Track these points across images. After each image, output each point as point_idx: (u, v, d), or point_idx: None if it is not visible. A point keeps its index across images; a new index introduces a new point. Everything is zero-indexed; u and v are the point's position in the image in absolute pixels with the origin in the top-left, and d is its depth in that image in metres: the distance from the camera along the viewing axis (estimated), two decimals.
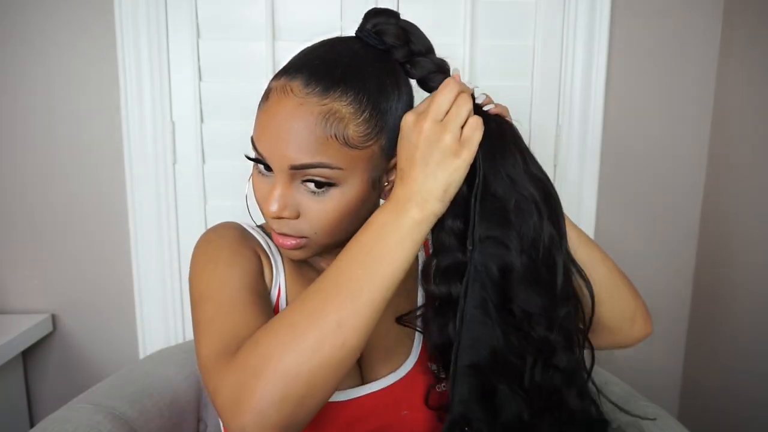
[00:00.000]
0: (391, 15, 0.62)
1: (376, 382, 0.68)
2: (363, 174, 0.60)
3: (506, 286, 0.59)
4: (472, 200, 0.58)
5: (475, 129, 0.57)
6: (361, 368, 0.69)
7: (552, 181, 0.63)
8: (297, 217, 0.60)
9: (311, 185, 0.58)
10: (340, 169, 0.58)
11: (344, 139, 0.57)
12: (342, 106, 0.57)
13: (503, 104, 0.65)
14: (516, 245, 0.58)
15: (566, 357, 0.61)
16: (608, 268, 0.69)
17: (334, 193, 0.59)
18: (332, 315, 0.50)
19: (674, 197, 1.26)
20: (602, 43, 1.16)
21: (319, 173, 0.57)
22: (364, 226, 0.56)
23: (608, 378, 0.92)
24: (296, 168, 0.57)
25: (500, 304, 0.58)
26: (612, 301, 0.68)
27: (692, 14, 1.19)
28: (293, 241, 0.62)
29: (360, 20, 0.64)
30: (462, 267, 0.59)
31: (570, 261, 0.63)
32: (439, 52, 0.65)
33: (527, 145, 0.63)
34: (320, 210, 0.59)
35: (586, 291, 0.64)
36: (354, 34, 0.63)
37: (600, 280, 0.67)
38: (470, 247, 0.58)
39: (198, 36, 1.10)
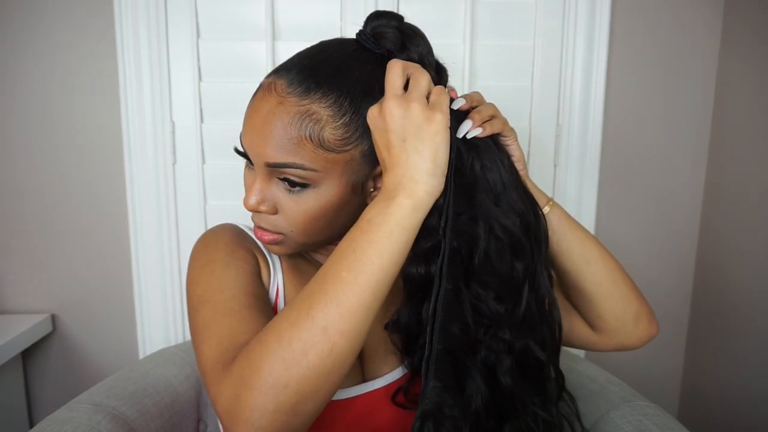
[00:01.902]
0: (392, 18, 0.61)
1: (378, 379, 0.68)
2: (341, 178, 0.59)
3: (471, 263, 0.57)
4: (447, 174, 0.56)
5: (440, 94, 0.56)
6: (362, 366, 0.69)
7: (537, 213, 0.62)
8: (275, 212, 0.61)
9: (287, 183, 0.59)
10: (314, 170, 0.57)
11: (320, 141, 0.57)
12: (321, 108, 0.56)
13: (506, 119, 0.62)
14: (484, 224, 0.57)
15: (514, 334, 0.59)
16: (607, 267, 0.68)
17: (309, 193, 0.59)
18: (318, 320, 0.48)
19: (674, 197, 1.26)
20: (602, 43, 1.16)
21: (292, 173, 0.58)
22: (354, 224, 0.54)
23: (608, 378, 0.92)
24: (271, 166, 0.58)
25: (465, 281, 0.57)
26: (611, 300, 0.68)
27: (692, 14, 1.19)
28: (270, 236, 0.63)
29: (360, 20, 0.63)
30: (438, 247, 0.57)
31: (546, 289, 0.61)
32: (439, 52, 0.65)
33: (524, 160, 0.61)
34: (296, 208, 0.60)
35: (587, 287, 0.64)
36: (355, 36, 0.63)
37: (597, 278, 0.67)
38: (443, 224, 0.56)
39: (198, 36, 1.10)
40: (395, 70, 0.56)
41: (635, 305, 0.69)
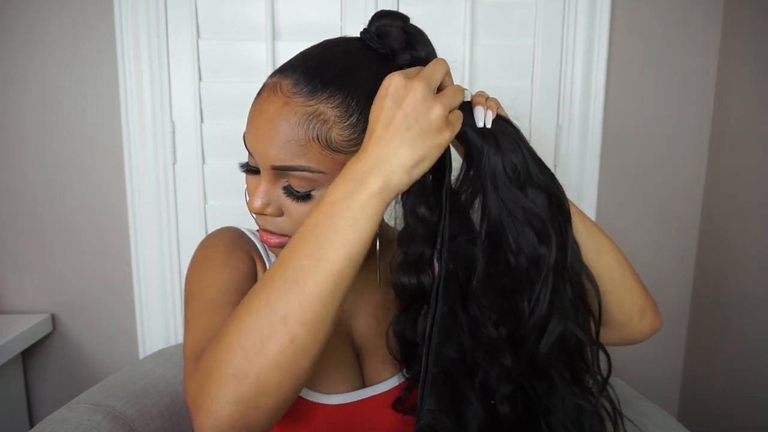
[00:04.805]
0: (397, 18, 0.61)
1: (379, 385, 0.67)
2: None
3: (468, 285, 0.56)
4: (443, 197, 0.55)
5: (459, 119, 0.55)
6: (362, 371, 0.69)
7: (559, 184, 0.60)
8: (280, 214, 0.61)
9: (292, 187, 0.58)
10: (321, 172, 0.56)
11: (327, 142, 0.56)
12: (328, 108, 0.56)
13: (496, 98, 0.61)
14: (482, 246, 0.56)
15: (513, 359, 0.58)
16: (617, 259, 0.67)
17: (315, 195, 0.58)
18: (277, 310, 0.46)
19: (674, 197, 1.26)
20: (602, 42, 1.16)
21: (299, 176, 0.57)
22: (317, 204, 0.50)
23: None
24: (277, 169, 0.57)
25: (463, 304, 0.56)
26: (620, 293, 0.67)
27: (692, 14, 1.19)
28: (276, 240, 0.62)
29: (360, 20, 0.63)
30: (429, 260, 0.56)
31: (579, 264, 0.60)
32: (440, 53, 0.65)
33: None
34: (302, 211, 0.59)
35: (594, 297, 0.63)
36: (359, 35, 0.63)
37: (608, 270, 0.66)
38: (439, 247, 0.54)
39: (198, 36, 1.10)
40: (442, 67, 0.54)
41: (641, 298, 0.68)
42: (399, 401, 0.66)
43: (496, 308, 0.57)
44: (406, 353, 0.65)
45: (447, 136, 0.52)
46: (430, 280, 0.57)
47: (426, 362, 0.53)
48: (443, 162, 0.56)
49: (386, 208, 0.51)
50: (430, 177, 0.56)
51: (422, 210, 0.55)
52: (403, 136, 0.50)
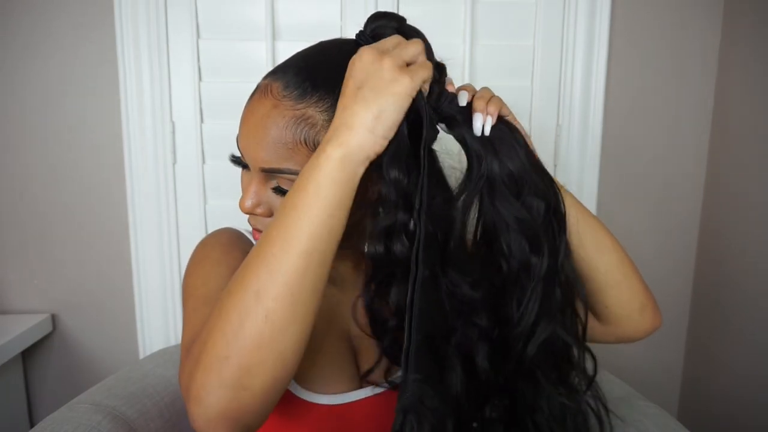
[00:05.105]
0: (392, 19, 0.60)
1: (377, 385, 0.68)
2: None
3: (446, 248, 0.55)
4: (421, 154, 0.53)
5: (422, 67, 0.52)
6: (359, 371, 0.69)
7: (556, 190, 0.59)
8: (271, 215, 0.61)
9: (282, 188, 0.58)
10: None
11: (314, 145, 0.55)
12: (317, 112, 0.55)
13: (499, 98, 0.60)
14: (461, 211, 0.55)
15: (487, 320, 0.57)
16: (618, 255, 0.67)
17: None
18: (250, 286, 0.46)
19: (674, 197, 1.26)
20: (602, 42, 1.16)
21: (288, 179, 0.57)
22: None
23: (608, 377, 0.92)
24: (266, 171, 0.57)
25: (442, 267, 0.55)
26: (620, 289, 0.67)
27: (692, 14, 1.19)
28: None
29: (360, 20, 0.63)
30: (402, 227, 0.55)
31: (569, 266, 0.60)
32: (439, 52, 0.64)
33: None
34: None
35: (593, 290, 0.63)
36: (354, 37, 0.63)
37: (609, 266, 0.66)
38: (417, 207, 0.52)
39: (198, 36, 1.10)
40: (392, 39, 0.54)
41: (641, 296, 0.68)
42: (370, 372, 0.64)
43: (473, 271, 0.57)
44: (375, 327, 0.63)
45: (406, 81, 0.49)
46: (402, 248, 0.55)
47: (409, 331, 0.51)
48: (421, 122, 0.53)
49: (356, 173, 0.50)
50: (406, 135, 0.53)
51: (394, 173, 0.53)
52: (356, 97, 0.49)
